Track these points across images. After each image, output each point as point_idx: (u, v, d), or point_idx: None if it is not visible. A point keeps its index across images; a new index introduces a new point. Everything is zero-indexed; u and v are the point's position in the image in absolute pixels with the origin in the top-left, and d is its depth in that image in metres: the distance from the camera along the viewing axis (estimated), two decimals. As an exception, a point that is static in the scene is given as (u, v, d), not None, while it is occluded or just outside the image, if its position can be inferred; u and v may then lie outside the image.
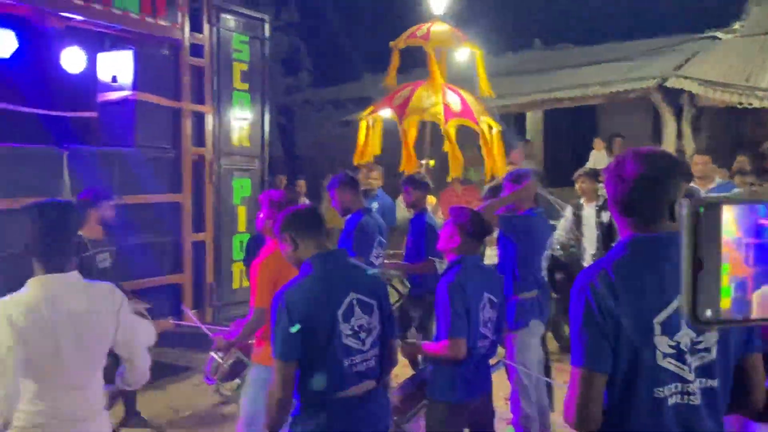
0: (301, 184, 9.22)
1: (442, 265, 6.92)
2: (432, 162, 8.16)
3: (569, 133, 12.10)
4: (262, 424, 2.91)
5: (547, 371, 4.85)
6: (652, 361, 1.74)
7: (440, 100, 7.46)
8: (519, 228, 4.30)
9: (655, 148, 1.90)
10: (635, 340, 1.74)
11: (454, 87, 7.72)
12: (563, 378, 4.67)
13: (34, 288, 2.31)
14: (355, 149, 7.73)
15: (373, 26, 9.05)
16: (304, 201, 8.63)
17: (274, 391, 2.54)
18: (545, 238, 4.49)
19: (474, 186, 9.32)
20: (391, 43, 7.86)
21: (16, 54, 5.72)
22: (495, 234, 7.08)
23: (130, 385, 2.71)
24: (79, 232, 4.38)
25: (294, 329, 2.49)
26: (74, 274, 2.41)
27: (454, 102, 7.51)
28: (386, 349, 2.76)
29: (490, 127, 7.74)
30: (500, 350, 4.65)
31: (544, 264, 4.51)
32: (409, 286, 5.56)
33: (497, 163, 7.67)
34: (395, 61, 7.85)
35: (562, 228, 6.61)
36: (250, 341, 3.72)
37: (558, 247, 6.48)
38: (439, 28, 7.73)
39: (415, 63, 8.70)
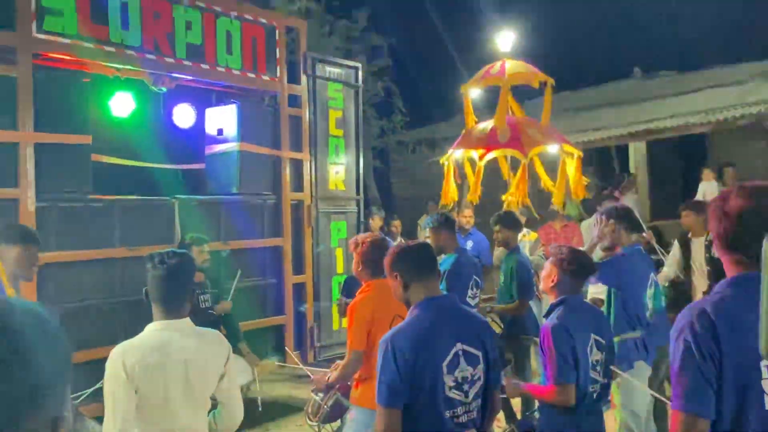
0: (397, 225, 9.31)
1: (541, 305, 6.75)
2: (520, 198, 8.01)
3: (676, 163, 11.56)
4: None
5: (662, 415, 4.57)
6: (761, 406, 1.62)
7: (485, 134, 7.39)
8: (620, 270, 4.12)
9: (763, 182, 1.79)
10: (741, 384, 1.63)
11: (516, 119, 7.60)
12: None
13: (150, 333, 2.47)
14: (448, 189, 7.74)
15: (463, 66, 9.14)
16: (401, 241, 8.70)
17: None
18: (647, 275, 4.29)
19: (574, 222, 9.06)
20: (462, 88, 7.91)
21: (133, 113, 6.25)
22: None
23: (225, 427, 2.81)
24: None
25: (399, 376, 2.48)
26: (187, 321, 2.56)
27: (504, 133, 7.38)
28: (489, 399, 2.70)
29: (572, 154, 7.52)
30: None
31: (649, 303, 4.29)
32: (502, 326, 5.46)
33: (577, 188, 7.42)
34: (468, 104, 7.87)
35: (669, 264, 6.27)
36: (349, 383, 3.76)
37: (667, 284, 6.15)
38: (514, 65, 7.71)
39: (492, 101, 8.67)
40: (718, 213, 1.77)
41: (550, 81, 7.74)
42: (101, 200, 5.19)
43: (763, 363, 1.63)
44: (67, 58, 5.06)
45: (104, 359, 2.44)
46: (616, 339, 4.00)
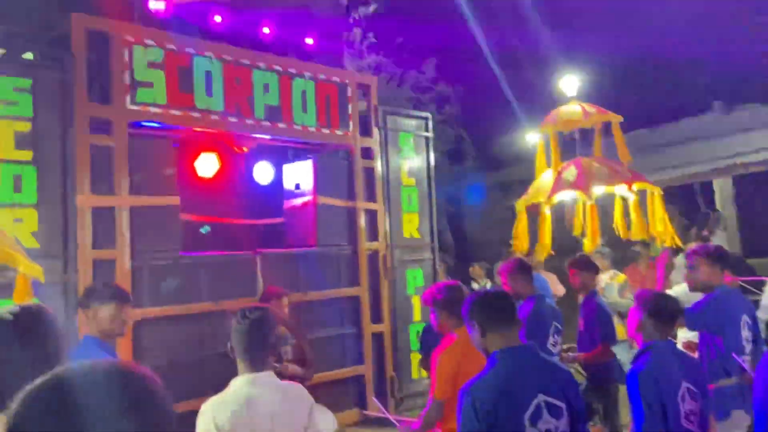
0: (477, 269, 9.25)
1: (627, 353, 6.51)
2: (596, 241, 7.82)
3: (765, 198, 11.03)
4: None
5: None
6: None
7: (551, 179, 7.31)
8: (714, 311, 3.96)
9: None
10: None
11: (584, 161, 7.49)
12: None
13: (237, 388, 2.59)
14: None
15: (531, 111, 9.14)
16: (487, 284, 8.63)
17: None
18: (739, 316, 4.09)
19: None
20: (542, 131, 7.91)
21: (218, 173, 6.60)
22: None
23: None
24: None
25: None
26: (271, 374, 2.66)
27: (570, 174, 7.26)
28: None
29: (653, 192, 7.32)
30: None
31: (746, 346, 4.09)
32: (585, 375, 5.29)
33: (656, 228, 7.17)
34: (539, 151, 7.84)
35: (765, 305, 5.95)
36: None
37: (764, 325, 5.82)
38: (567, 109, 7.67)
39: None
40: None
41: (616, 119, 7.62)
42: (189, 257, 5.46)
43: None
44: (158, 125, 5.43)
45: (193, 412, 2.56)
46: (720, 385, 3.84)
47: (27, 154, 4.62)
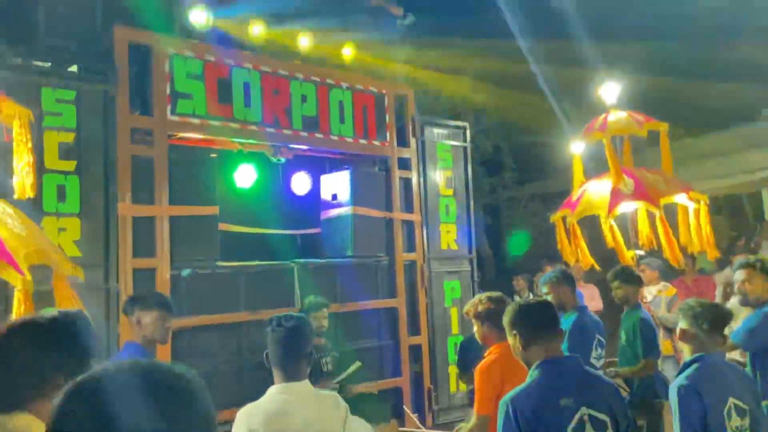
0: (520, 282, 9.13)
1: (674, 369, 6.28)
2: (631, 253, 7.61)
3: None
4: None
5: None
6: None
7: (607, 190, 7.10)
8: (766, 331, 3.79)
9: None
10: None
11: (632, 170, 7.29)
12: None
13: (272, 396, 2.56)
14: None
15: (574, 122, 9.01)
16: (528, 296, 8.50)
17: None
18: None
19: (708, 276, 8.48)
20: (570, 149, 7.76)
21: (256, 183, 6.64)
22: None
23: None
24: None
25: None
26: (306, 383, 2.63)
27: (627, 185, 7.05)
28: None
29: (699, 201, 7.09)
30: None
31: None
32: (629, 390, 5.12)
33: (703, 240, 6.92)
34: (577, 161, 7.68)
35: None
36: None
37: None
38: (615, 116, 7.49)
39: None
40: None
41: (663, 127, 7.44)
42: (228, 267, 5.49)
43: None
44: (198, 136, 5.49)
45: (230, 422, 2.54)
46: (765, 403, 3.66)
47: (71, 165, 4.72)
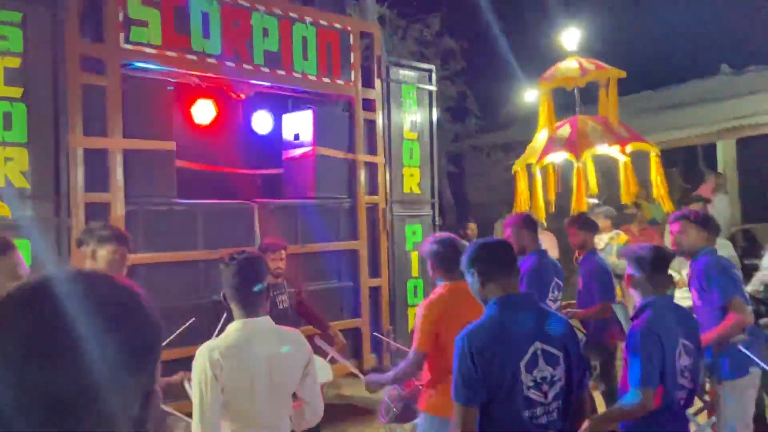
0: (473, 227, 9.21)
1: (626, 310, 6.47)
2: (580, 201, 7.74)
3: (768, 162, 10.91)
4: None
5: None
6: None
7: (544, 139, 7.17)
8: (726, 278, 3.89)
9: None
10: None
11: (579, 119, 7.33)
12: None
13: (232, 332, 2.51)
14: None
15: (534, 67, 8.96)
16: None
17: (454, 430, 2.49)
18: (737, 274, 4.04)
19: (656, 227, 8.68)
20: (540, 87, 7.74)
21: (215, 120, 6.44)
22: (685, 276, 6.53)
23: (305, 424, 2.81)
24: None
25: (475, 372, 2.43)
26: (267, 319, 2.59)
27: (562, 135, 7.12)
28: (571, 401, 2.60)
29: (629, 154, 7.19)
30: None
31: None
32: (585, 332, 5.26)
33: (659, 191, 7.08)
34: (541, 109, 7.69)
35: (765, 267, 5.90)
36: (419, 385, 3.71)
37: (761, 288, 5.78)
38: (564, 65, 7.48)
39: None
40: None
41: (616, 74, 7.42)
42: (185, 204, 5.35)
43: None
44: (153, 67, 5.26)
45: (188, 358, 2.49)
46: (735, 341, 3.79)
47: (17, 91, 4.46)
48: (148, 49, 5.10)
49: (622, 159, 7.07)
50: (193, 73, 5.56)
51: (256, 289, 2.54)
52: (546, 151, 7.15)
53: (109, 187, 4.82)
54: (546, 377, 2.49)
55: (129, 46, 5.00)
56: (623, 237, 7.62)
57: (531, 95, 7.86)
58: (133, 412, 0.88)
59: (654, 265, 3.09)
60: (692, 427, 4.00)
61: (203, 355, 2.43)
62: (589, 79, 7.45)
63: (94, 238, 3.37)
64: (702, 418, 4.50)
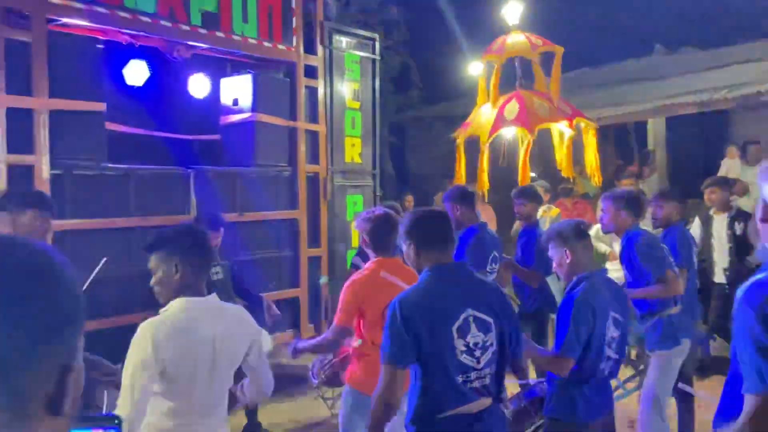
0: (410, 200, 9.26)
1: (556, 284, 6.65)
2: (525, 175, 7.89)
3: (696, 141, 11.36)
4: None
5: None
6: None
7: (492, 114, 7.28)
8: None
9: None
10: None
11: (525, 95, 7.44)
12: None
13: (178, 310, 2.41)
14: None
15: (480, 42, 8.98)
16: None
17: (380, 394, 2.50)
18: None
19: (588, 200, 8.93)
20: (484, 59, 7.78)
21: (148, 82, 6.17)
22: (617, 249, 6.75)
23: (254, 398, 2.78)
24: None
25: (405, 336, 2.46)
26: (213, 298, 2.51)
27: (511, 110, 7.24)
28: (504, 367, 2.66)
29: (575, 129, 7.38)
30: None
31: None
32: (519, 302, 5.39)
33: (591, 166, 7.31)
34: (482, 82, 7.74)
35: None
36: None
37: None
38: (513, 38, 7.55)
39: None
40: None
41: (558, 50, 7.53)
42: (116, 169, 5.14)
43: None
44: (82, 23, 4.97)
45: (119, 328, 2.40)
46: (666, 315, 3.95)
47: (-71, 43, 4.15)
48: (76, 4, 4.81)
49: (569, 133, 7.20)
50: (124, 31, 5.30)
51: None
52: (496, 126, 7.21)
53: (33, 149, 4.56)
54: (478, 343, 2.54)
55: (56, 0, 4.70)
56: (555, 210, 7.81)
57: (474, 68, 7.86)
58: (48, 388, 0.81)
59: (577, 239, 3.17)
60: (620, 393, 4.19)
61: (146, 333, 2.33)
62: (539, 53, 7.52)
63: (13, 202, 3.19)
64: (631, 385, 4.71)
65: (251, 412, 5.05)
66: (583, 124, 7.43)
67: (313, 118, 6.73)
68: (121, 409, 2.24)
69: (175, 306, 2.41)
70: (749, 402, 1.58)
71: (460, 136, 7.70)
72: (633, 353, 5.31)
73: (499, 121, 7.28)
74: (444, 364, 2.48)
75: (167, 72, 6.36)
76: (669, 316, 4.01)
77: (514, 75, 7.71)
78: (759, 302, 1.58)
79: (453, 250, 2.78)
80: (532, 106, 7.24)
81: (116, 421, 0.98)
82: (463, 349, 2.51)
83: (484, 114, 7.57)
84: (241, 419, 5.00)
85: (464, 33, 11.09)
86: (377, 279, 3.42)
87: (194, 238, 2.49)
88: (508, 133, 7.45)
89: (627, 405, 4.60)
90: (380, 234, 3.50)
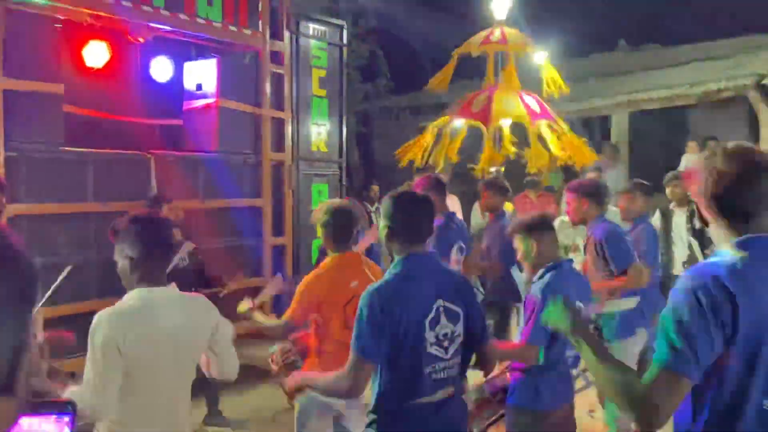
0: (375, 190, 9.23)
1: (521, 275, 6.71)
2: (503, 168, 7.99)
3: (657, 136, 11.59)
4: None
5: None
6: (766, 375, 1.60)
7: (520, 103, 7.36)
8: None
9: (746, 143, 1.75)
10: (752, 349, 1.59)
11: (528, 91, 7.59)
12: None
13: (136, 300, 2.33)
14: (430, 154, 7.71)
15: (449, 33, 8.99)
16: (378, 206, 8.63)
17: (343, 379, 2.46)
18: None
19: (551, 194, 9.04)
20: (458, 51, 7.80)
21: (109, 65, 6.01)
22: (579, 241, 6.84)
23: (217, 376, 2.71)
24: None
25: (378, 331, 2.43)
26: (172, 287, 2.43)
27: (533, 103, 7.38)
28: (469, 356, 2.66)
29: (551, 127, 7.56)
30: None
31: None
32: (482, 292, 5.43)
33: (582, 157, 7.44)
34: (451, 68, 7.79)
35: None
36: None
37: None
38: (512, 33, 7.62)
39: (467, 72, 8.59)
40: (709, 176, 1.71)
41: (543, 52, 7.66)
42: (74, 152, 4.99)
43: None
44: (39, 1, 4.80)
45: (74, 315, 2.32)
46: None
47: None
48: (32, -20, 4.65)
49: (545, 132, 7.32)
50: (84, 11, 5.12)
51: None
52: (460, 115, 7.26)
53: (-15, 129, 4.41)
54: (447, 333, 2.54)
55: (10, -24, 4.53)
56: (508, 205, 7.88)
57: (444, 59, 7.89)
58: (1, 367, 0.78)
59: (541, 231, 3.21)
60: (580, 383, 4.25)
61: (105, 322, 2.25)
62: (515, 49, 7.61)
63: None
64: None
65: (212, 402, 4.99)
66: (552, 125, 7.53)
67: (279, 105, 6.64)
68: (85, 398, 2.16)
69: (132, 296, 2.34)
70: (654, 371, 1.62)
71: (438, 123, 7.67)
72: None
73: (464, 112, 7.33)
74: (414, 355, 2.46)
75: (128, 54, 6.20)
76: (626, 308, 4.07)
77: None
78: (695, 284, 1.62)
79: (426, 239, 2.71)
80: (498, 104, 7.34)
81: (70, 407, 0.95)
82: (433, 341, 2.49)
83: (505, 102, 7.61)
84: (202, 409, 4.93)
85: (434, 24, 11.08)
86: (337, 275, 3.37)
87: (151, 227, 2.40)
88: (458, 124, 7.56)
89: (586, 394, 4.67)
90: (339, 228, 3.45)
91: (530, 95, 7.56)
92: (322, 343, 3.40)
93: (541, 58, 8.01)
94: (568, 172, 8.79)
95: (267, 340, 5.72)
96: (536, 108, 7.40)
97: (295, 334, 3.84)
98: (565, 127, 7.53)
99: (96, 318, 2.27)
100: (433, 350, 2.50)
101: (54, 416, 0.96)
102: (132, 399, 2.30)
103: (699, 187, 1.75)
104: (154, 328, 2.30)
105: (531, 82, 8.09)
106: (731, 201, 1.69)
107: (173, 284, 2.44)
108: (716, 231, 1.75)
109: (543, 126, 7.42)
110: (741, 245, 1.67)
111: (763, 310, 1.59)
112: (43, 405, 0.95)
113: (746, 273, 1.62)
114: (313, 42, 7.05)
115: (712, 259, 1.71)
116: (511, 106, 7.42)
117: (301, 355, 3.81)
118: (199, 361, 2.53)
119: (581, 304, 3.18)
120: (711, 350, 1.59)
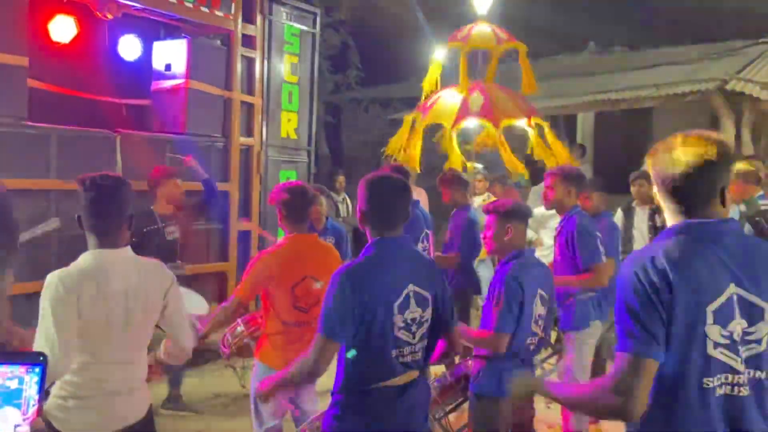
0: (341, 180, 9.20)
1: (490, 270, 6.79)
2: (470, 165, 8.04)
3: (622, 136, 11.81)
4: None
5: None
6: (703, 350, 1.67)
7: (457, 102, 7.40)
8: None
9: (703, 132, 1.82)
10: (687, 329, 1.66)
11: (489, 86, 7.57)
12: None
13: (87, 261, 2.31)
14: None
15: (422, 26, 9.01)
16: (345, 197, 8.61)
17: (308, 362, 2.46)
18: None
19: (516, 189, 9.15)
20: (432, 57, 7.83)
21: (76, 40, 5.87)
22: (544, 235, 6.93)
23: (174, 359, 2.70)
24: (151, 207, 4.72)
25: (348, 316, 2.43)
26: (126, 250, 2.40)
27: (476, 102, 7.37)
28: (435, 341, 2.68)
29: (541, 126, 7.61)
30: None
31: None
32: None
33: (559, 158, 7.51)
34: (436, 69, 7.81)
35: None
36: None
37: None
38: (479, 29, 7.62)
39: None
40: (663, 163, 1.78)
41: (522, 48, 7.68)
42: (37, 128, 4.87)
43: (708, 309, 1.66)
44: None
45: (37, 293, 2.27)
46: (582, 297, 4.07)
47: None
48: (-3, -51, 4.51)
49: (531, 132, 7.38)
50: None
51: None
52: (461, 115, 7.27)
53: (-55, 101, 4.27)
54: (416, 318, 2.54)
55: (-26, -58, 4.39)
56: (493, 199, 7.96)
57: (415, 52, 7.91)
58: None
59: (513, 216, 3.28)
60: (538, 372, 4.33)
61: (58, 283, 2.22)
62: (505, 47, 7.64)
63: None
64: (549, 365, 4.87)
65: (174, 384, 4.94)
66: (535, 123, 7.60)
67: (249, 89, 6.58)
68: (51, 354, 2.11)
69: (84, 257, 2.32)
70: (618, 360, 1.69)
71: (421, 121, 7.65)
72: (554, 335, 5.50)
73: (465, 111, 7.32)
74: (381, 338, 2.46)
75: (96, 31, 6.07)
76: (583, 299, 4.12)
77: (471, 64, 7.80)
78: (636, 266, 1.70)
79: (401, 223, 2.65)
80: (496, 102, 7.37)
81: (41, 358, 0.93)
82: (402, 325, 2.49)
83: (447, 100, 7.56)
84: (163, 390, 4.88)
85: (406, 17, 11.09)
86: (289, 256, 3.35)
87: (97, 189, 2.35)
88: (473, 123, 7.56)
89: (545, 383, 4.77)
90: (296, 206, 3.43)
91: (484, 93, 7.59)
92: (271, 325, 3.39)
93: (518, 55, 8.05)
94: (536, 170, 8.90)
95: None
96: (476, 107, 7.44)
97: (246, 316, 3.83)
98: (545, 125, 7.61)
99: (48, 278, 2.23)
100: (401, 334, 2.50)
101: (25, 366, 0.94)
102: (84, 359, 2.27)
103: (654, 173, 1.82)
104: (103, 289, 2.28)
105: (509, 80, 8.14)
106: (679, 188, 1.76)
107: (128, 247, 2.42)
108: (666, 216, 1.82)
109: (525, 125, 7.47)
110: (680, 230, 1.75)
111: (697, 289, 1.66)
112: (14, 354, 0.94)
113: (681, 255, 1.69)
114: (285, 27, 7.00)
115: (653, 243, 1.79)
116: (450, 104, 7.47)
117: (252, 337, 3.78)
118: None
119: (543, 293, 3.24)
120: (663, 326, 1.66)
